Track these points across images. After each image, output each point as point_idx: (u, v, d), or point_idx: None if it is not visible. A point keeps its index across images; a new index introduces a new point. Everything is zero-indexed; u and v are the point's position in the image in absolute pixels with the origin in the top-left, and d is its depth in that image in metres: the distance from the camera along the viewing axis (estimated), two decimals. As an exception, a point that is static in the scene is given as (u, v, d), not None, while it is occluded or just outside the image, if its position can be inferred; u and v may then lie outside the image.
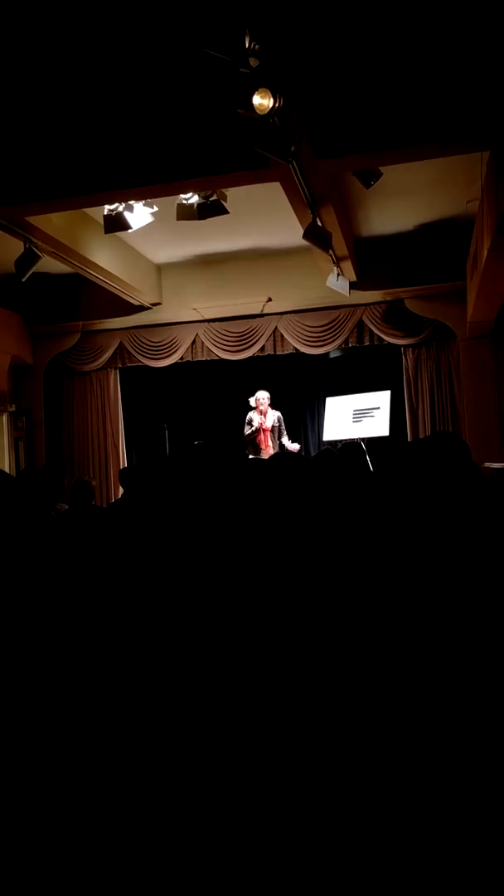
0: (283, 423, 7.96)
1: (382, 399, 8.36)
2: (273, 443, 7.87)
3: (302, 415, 9.43)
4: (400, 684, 1.23)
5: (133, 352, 9.05)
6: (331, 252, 6.69)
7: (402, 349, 8.49)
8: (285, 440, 7.94)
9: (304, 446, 9.49)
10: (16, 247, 6.13)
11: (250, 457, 7.76)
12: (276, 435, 7.91)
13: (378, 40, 4.11)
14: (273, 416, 7.93)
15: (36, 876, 0.99)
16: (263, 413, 7.89)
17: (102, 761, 1.05)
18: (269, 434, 7.85)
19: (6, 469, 8.40)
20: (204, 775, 1.00)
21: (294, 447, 7.81)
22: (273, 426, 7.89)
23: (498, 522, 1.54)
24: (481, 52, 4.09)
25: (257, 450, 7.84)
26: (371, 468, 4.74)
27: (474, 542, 1.46)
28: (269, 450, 7.82)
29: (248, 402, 8.02)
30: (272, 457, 2.11)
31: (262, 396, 7.92)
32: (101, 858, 0.99)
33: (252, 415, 7.96)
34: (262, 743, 1.01)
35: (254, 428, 7.86)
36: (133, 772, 1.03)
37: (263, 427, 7.85)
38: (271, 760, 1.00)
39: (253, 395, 7.99)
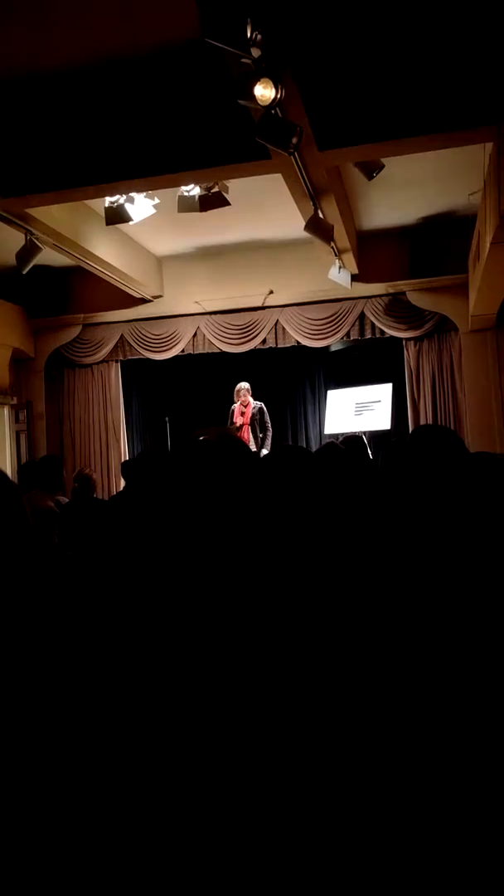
0: (265, 414, 7.88)
1: (384, 392, 8.35)
2: (254, 436, 7.82)
3: (303, 408, 9.43)
4: (404, 681, 1.23)
5: (134, 344, 9.03)
6: (332, 244, 6.66)
7: (404, 342, 8.47)
8: (267, 437, 7.87)
9: (305, 439, 9.49)
10: (16, 239, 6.11)
11: None
12: (259, 427, 7.85)
13: (381, 30, 4.08)
14: (254, 407, 7.87)
15: (35, 876, 0.99)
16: (246, 405, 7.83)
17: (101, 757, 1.06)
18: (247, 427, 7.81)
19: (7, 462, 8.41)
20: (203, 774, 1.00)
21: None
22: (253, 416, 7.82)
23: (494, 511, 1.54)
24: (486, 42, 4.06)
25: None
26: (371, 461, 4.74)
27: (475, 534, 1.46)
28: (248, 444, 7.78)
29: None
30: (276, 450, 2.11)
31: (244, 387, 7.86)
32: (101, 858, 0.99)
33: (235, 407, 7.92)
34: (263, 740, 1.01)
35: (238, 426, 7.80)
36: (132, 770, 1.03)
37: (245, 423, 7.81)
38: (272, 758, 1.00)
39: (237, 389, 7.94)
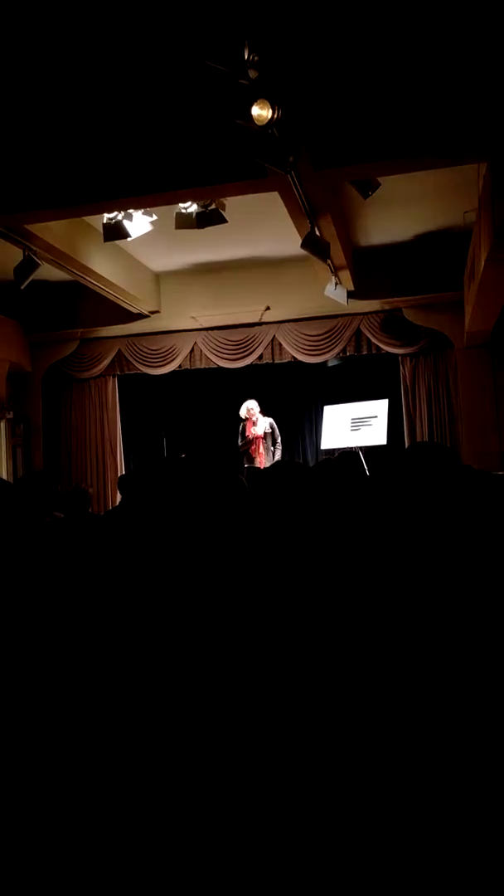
0: (276, 429, 7.98)
1: (380, 408, 8.37)
2: (266, 450, 7.89)
3: (300, 423, 9.44)
4: (399, 686, 1.23)
5: (131, 359, 9.06)
6: (329, 261, 6.72)
7: (400, 358, 8.51)
8: (277, 451, 7.96)
9: (302, 455, 9.50)
10: (15, 254, 6.15)
11: (245, 466, 7.81)
12: (270, 442, 7.93)
13: (376, 53, 4.14)
14: (265, 423, 7.97)
15: (36, 876, 0.99)
16: (255, 422, 7.93)
17: (102, 768, 1.06)
18: (261, 442, 7.88)
19: (3, 476, 8.39)
20: (204, 778, 1.01)
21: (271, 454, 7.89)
22: (266, 433, 7.92)
23: (490, 523, 1.55)
24: (478, 64, 4.12)
25: (251, 459, 7.89)
26: (368, 477, 4.75)
27: (469, 544, 1.47)
28: (261, 458, 7.84)
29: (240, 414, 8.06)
30: (272, 465, 2.12)
31: (252, 406, 7.96)
32: (101, 858, 0.99)
33: (244, 425, 7.99)
34: (261, 747, 1.02)
35: (248, 440, 7.90)
36: (132, 777, 1.04)
37: (255, 436, 7.89)
38: (270, 766, 1.01)
39: (241, 406, 8.05)
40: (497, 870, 1.06)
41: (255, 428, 7.93)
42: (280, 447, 8.00)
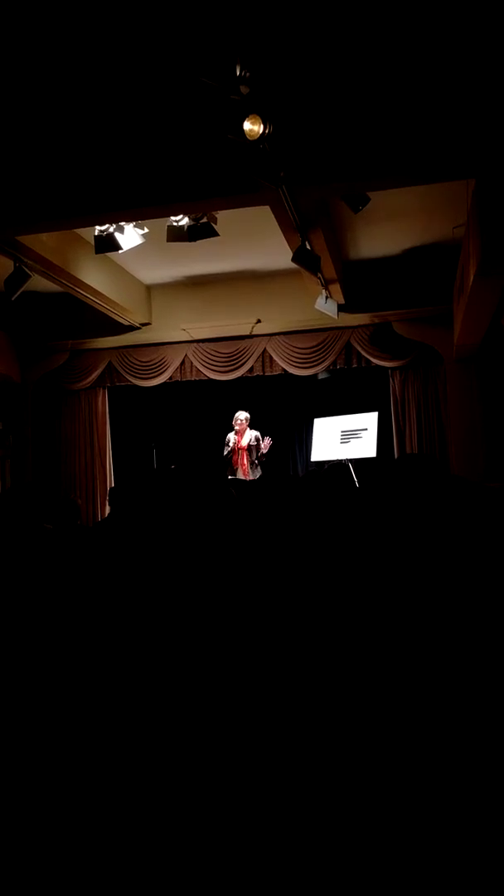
0: (260, 443, 7.98)
1: (370, 420, 8.41)
2: (249, 462, 7.89)
3: (290, 435, 9.46)
4: (393, 693, 1.24)
5: (122, 371, 9.06)
6: (319, 275, 6.76)
7: (390, 371, 8.56)
8: (261, 442, 7.95)
9: (292, 467, 9.51)
10: (5, 265, 6.15)
11: (229, 477, 7.81)
12: (254, 454, 7.94)
13: (366, 71, 4.19)
14: (250, 436, 7.98)
15: (36, 876, 0.99)
16: (241, 433, 7.95)
17: (101, 774, 1.06)
18: (244, 453, 7.88)
19: (-8, 487, 8.35)
20: (204, 781, 1.01)
21: (265, 443, 7.87)
22: (249, 445, 7.92)
23: (479, 534, 1.56)
24: (466, 82, 4.18)
25: (233, 470, 7.90)
26: (357, 488, 4.77)
27: (458, 555, 1.48)
28: (244, 469, 7.85)
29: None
30: (262, 477, 2.13)
31: (240, 417, 8.00)
32: (101, 858, 0.98)
33: (230, 435, 8.02)
34: (258, 752, 1.02)
35: (230, 449, 7.94)
36: (132, 782, 1.03)
37: (239, 447, 7.91)
38: (268, 768, 1.01)
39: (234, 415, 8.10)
40: (497, 870, 1.06)
41: (241, 440, 7.95)
42: (260, 461, 7.96)
